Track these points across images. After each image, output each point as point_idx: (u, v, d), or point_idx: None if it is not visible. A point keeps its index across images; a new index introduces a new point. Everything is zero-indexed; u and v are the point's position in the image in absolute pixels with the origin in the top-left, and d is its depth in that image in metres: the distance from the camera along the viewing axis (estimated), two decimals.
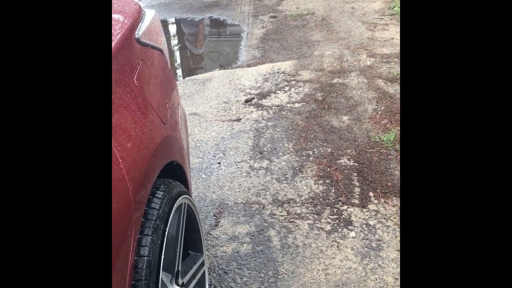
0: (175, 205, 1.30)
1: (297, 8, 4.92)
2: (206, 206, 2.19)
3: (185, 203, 1.42)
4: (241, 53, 4.06)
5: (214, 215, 2.12)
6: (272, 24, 4.59)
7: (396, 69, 3.35)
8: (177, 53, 4.49)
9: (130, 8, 1.57)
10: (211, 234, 2.01)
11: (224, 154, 2.61)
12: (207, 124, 2.93)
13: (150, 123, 1.27)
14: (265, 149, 2.62)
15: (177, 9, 5.44)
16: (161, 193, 1.24)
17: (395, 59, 3.51)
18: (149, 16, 1.65)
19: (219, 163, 2.53)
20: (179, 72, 4.03)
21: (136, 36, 1.43)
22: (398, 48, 3.70)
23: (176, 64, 4.16)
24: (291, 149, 2.60)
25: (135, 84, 1.29)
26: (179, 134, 1.54)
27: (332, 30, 4.23)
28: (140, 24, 1.53)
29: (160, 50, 1.67)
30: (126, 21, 1.43)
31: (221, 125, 2.91)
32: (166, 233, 1.20)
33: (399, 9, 4.47)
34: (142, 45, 1.47)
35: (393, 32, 4.01)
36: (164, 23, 5.22)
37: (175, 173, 1.45)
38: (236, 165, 2.50)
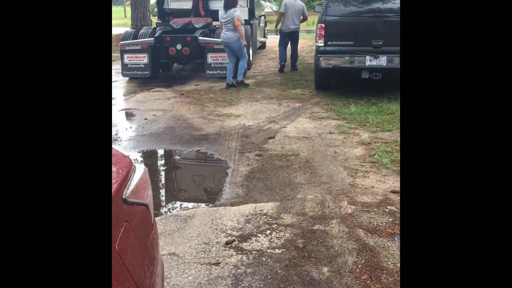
0: None
1: (282, 148, 5.14)
2: None
3: None
4: (225, 190, 4.13)
5: None
6: (257, 162, 4.75)
7: (376, 219, 3.41)
8: (162, 184, 4.55)
9: (121, 164, 1.62)
10: None
11: None
12: (184, 266, 2.87)
13: None
14: None
15: (167, 140, 5.64)
16: None
17: (375, 209, 3.59)
18: (139, 172, 1.70)
19: None
20: (163, 201, 4.05)
21: (124, 197, 1.46)
22: (378, 197, 3.81)
23: (160, 197, 4.19)
24: None
25: (116, 250, 1.29)
26: None
27: (315, 173, 4.38)
28: (129, 182, 1.57)
29: (145, 205, 1.69)
30: (114, 181, 1.46)
31: (199, 268, 2.84)
32: None
33: (379, 157, 4.70)
34: (129, 204, 1.50)
35: (373, 180, 4.16)
36: (154, 153, 5.38)
37: None
38: None
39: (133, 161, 1.73)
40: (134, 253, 1.41)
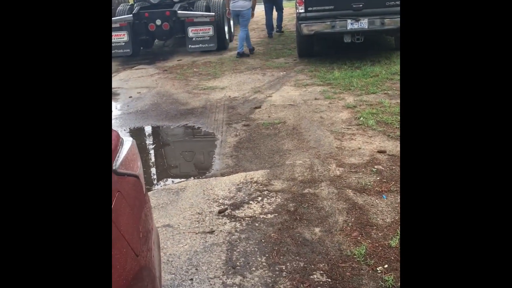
0: None
1: (269, 116, 5.17)
2: None
3: None
4: (215, 161, 4.17)
5: None
6: (245, 132, 4.78)
7: (364, 179, 3.49)
8: (152, 160, 4.58)
9: None
10: None
11: (196, 269, 2.58)
12: (180, 236, 2.93)
13: (123, 258, 1.28)
14: (238, 263, 2.61)
15: (153, 117, 5.63)
16: None
17: (363, 169, 3.67)
18: (127, 145, 1.73)
19: (192, 279, 2.50)
20: (154, 177, 4.09)
21: (114, 168, 1.49)
22: (366, 157, 3.88)
23: (151, 173, 4.22)
24: (264, 264, 2.60)
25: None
26: (152, 263, 1.55)
27: (303, 139, 4.43)
28: (118, 154, 1.60)
29: (136, 176, 1.72)
30: None
31: (194, 237, 2.91)
32: None
33: (364, 119, 4.76)
34: (119, 175, 1.52)
35: (360, 142, 4.23)
36: (141, 130, 5.38)
37: None
38: (209, 281, 2.47)
39: (120, 134, 1.75)
40: (128, 221, 1.44)
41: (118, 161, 1.54)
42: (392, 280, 2.36)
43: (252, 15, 8.86)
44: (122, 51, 9.25)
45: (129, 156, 1.69)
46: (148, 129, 5.41)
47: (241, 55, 8.71)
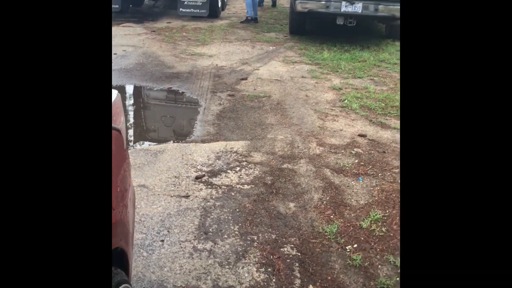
0: None
1: (255, 89, 5.14)
2: None
3: None
4: (197, 127, 4.14)
5: None
6: (229, 102, 4.74)
7: (342, 160, 3.52)
8: (132, 120, 4.51)
9: None
10: None
11: (168, 231, 2.58)
12: (154, 198, 2.91)
13: None
14: (210, 229, 2.62)
15: (137, 76, 5.53)
16: None
17: (342, 150, 3.70)
18: (112, 97, 1.69)
19: (162, 240, 2.50)
20: (131, 138, 4.04)
21: None
22: (346, 140, 3.90)
23: (129, 133, 4.16)
24: (236, 232, 2.62)
25: None
26: (127, 218, 1.54)
27: (286, 115, 4.43)
28: None
29: (118, 130, 1.69)
30: None
31: (168, 200, 2.90)
32: None
33: (349, 102, 4.77)
34: None
35: (342, 124, 4.25)
36: (123, 89, 5.28)
37: (117, 259, 1.43)
38: (180, 244, 2.48)
39: None
40: None
41: None
42: (360, 259, 2.41)
43: None
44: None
45: (113, 110, 1.65)
46: (130, 89, 5.32)
47: (248, 20, 8.86)
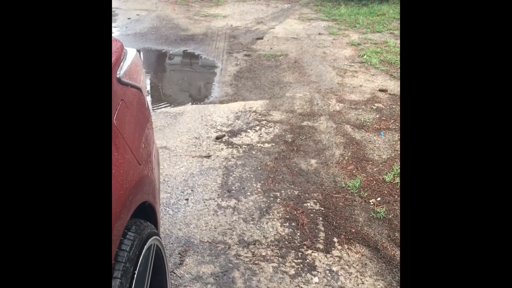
0: (145, 247, 1.30)
1: (271, 48, 5.06)
2: (172, 244, 2.17)
3: (154, 244, 1.42)
4: (214, 89, 4.12)
5: (179, 253, 2.11)
6: (246, 62, 4.69)
7: (363, 116, 3.48)
8: (150, 84, 4.51)
9: (113, 46, 1.59)
10: (175, 273, 2.00)
11: (192, 190, 2.61)
12: (176, 158, 2.94)
13: (126, 164, 1.28)
14: (233, 187, 2.65)
15: (152, 40, 5.49)
16: (132, 234, 1.24)
17: (363, 106, 3.65)
18: (131, 55, 1.68)
19: (187, 199, 2.54)
20: (151, 102, 4.05)
21: (118, 76, 1.46)
22: (366, 95, 3.84)
23: (149, 96, 4.17)
24: (259, 190, 2.63)
25: (114, 124, 1.30)
26: (153, 174, 1.55)
27: (304, 73, 4.37)
28: (122, 63, 1.56)
29: (139, 88, 1.69)
30: None
31: (190, 160, 2.92)
32: (135, 275, 1.20)
33: (368, 57, 4.67)
34: (123, 84, 1.49)
35: (362, 80, 4.17)
36: (139, 53, 5.25)
37: (146, 213, 1.46)
38: (204, 202, 2.51)
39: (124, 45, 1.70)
40: (131, 129, 1.43)
41: (122, 70, 1.50)
42: (384, 212, 2.41)
43: None
44: None
45: (132, 67, 1.65)
46: (146, 52, 5.29)
47: None
